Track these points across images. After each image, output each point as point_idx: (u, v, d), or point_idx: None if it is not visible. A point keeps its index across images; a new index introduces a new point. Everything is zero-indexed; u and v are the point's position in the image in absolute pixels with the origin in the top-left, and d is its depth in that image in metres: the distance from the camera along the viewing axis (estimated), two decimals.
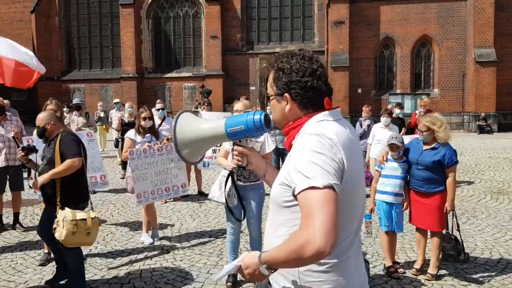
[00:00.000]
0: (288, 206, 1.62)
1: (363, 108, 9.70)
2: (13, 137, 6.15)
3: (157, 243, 5.81)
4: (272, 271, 1.57)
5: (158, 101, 17.63)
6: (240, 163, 1.92)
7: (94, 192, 8.59)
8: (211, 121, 1.90)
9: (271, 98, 1.77)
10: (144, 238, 5.89)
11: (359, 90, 24.73)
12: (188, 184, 5.95)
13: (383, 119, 8.06)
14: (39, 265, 5.01)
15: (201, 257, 5.25)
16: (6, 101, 12.75)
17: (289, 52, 1.75)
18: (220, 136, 1.84)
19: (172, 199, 7.85)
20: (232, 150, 1.94)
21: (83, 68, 28.99)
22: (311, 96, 1.68)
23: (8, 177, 6.38)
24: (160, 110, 8.40)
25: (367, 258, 4.49)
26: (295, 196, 1.52)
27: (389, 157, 4.73)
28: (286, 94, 1.69)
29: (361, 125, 9.38)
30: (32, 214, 7.25)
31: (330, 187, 1.46)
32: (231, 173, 2.15)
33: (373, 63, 25.08)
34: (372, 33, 24.64)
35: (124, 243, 5.86)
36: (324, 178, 1.47)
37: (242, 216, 2.43)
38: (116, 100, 13.99)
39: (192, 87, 26.90)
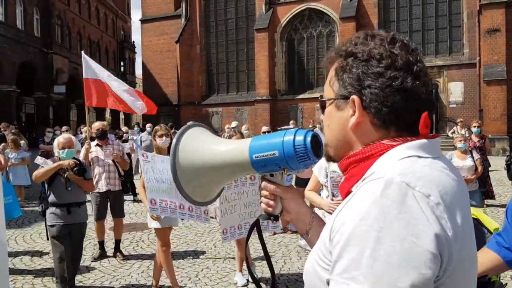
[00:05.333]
0: None
1: None
2: (113, 161, 6.00)
3: (252, 285, 4.98)
4: None
5: (291, 121, 17.45)
6: (270, 209, 1.17)
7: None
8: (232, 141, 1.21)
9: (327, 103, 1.03)
10: (238, 278, 5.11)
11: None
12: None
13: None
14: None
15: None
16: (148, 126, 13.56)
17: (368, 33, 1.01)
18: (241, 165, 1.14)
19: (282, 231, 6.99)
20: (260, 187, 1.21)
21: (221, 93, 30.31)
22: (398, 106, 0.92)
23: (109, 203, 6.21)
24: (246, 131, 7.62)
25: None
26: None
27: None
28: (354, 97, 0.95)
29: None
30: (138, 241, 7.00)
31: None
32: (256, 223, 1.24)
33: None
34: None
35: (216, 281, 5.16)
36: None
37: None
38: (234, 123, 14.49)
39: None
